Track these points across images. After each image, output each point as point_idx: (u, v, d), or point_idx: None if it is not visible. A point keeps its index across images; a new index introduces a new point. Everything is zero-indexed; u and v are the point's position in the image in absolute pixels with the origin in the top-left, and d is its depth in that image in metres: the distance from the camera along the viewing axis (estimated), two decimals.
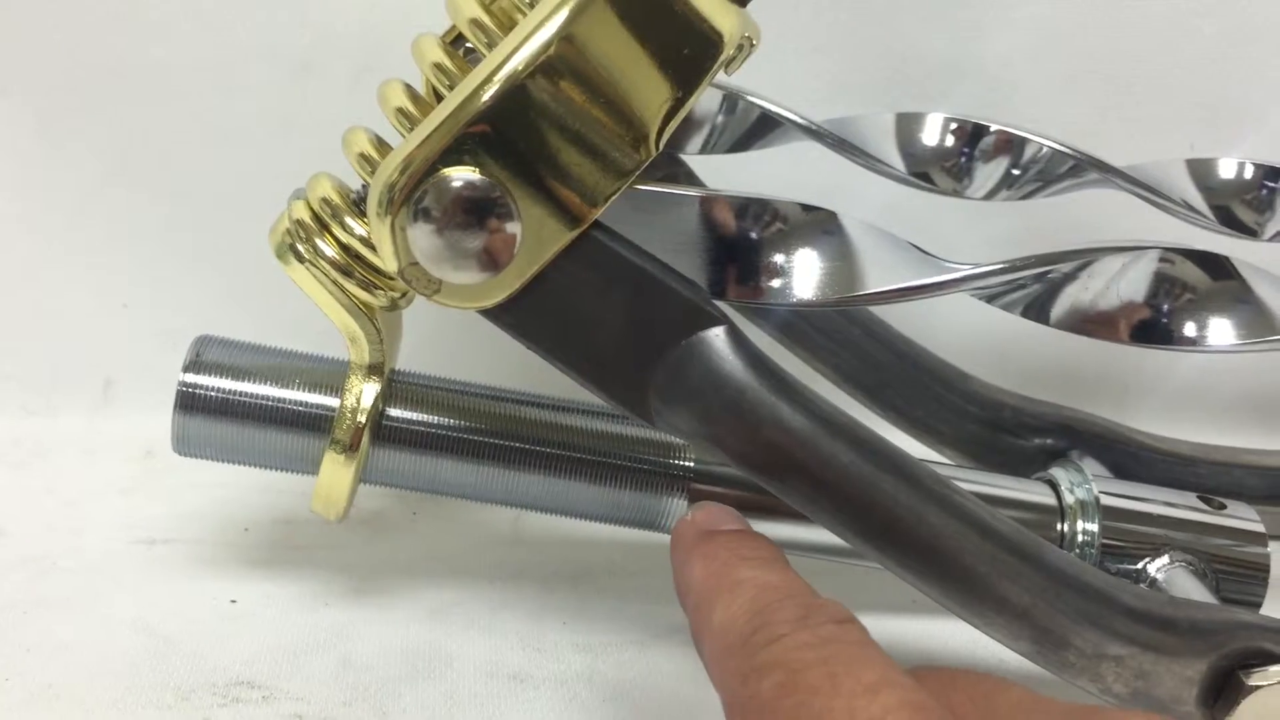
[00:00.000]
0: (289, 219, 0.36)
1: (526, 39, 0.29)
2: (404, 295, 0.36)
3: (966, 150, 0.43)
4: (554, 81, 0.29)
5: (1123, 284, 0.33)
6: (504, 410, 0.38)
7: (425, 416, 0.38)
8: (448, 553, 0.46)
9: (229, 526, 0.46)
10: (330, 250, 0.35)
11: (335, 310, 0.36)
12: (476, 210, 0.29)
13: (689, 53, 0.30)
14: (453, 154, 0.29)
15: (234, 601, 0.42)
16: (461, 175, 0.29)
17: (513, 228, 0.29)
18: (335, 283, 0.35)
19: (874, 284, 0.31)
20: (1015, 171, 0.43)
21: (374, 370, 0.37)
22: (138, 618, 0.40)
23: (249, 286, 0.53)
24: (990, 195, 0.42)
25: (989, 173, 0.42)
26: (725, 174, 0.44)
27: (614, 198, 0.30)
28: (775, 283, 0.31)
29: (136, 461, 0.51)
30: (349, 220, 0.35)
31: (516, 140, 0.29)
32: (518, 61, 0.29)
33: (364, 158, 0.34)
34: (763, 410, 0.31)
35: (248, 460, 0.38)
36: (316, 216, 0.35)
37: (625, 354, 0.32)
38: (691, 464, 0.39)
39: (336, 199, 0.35)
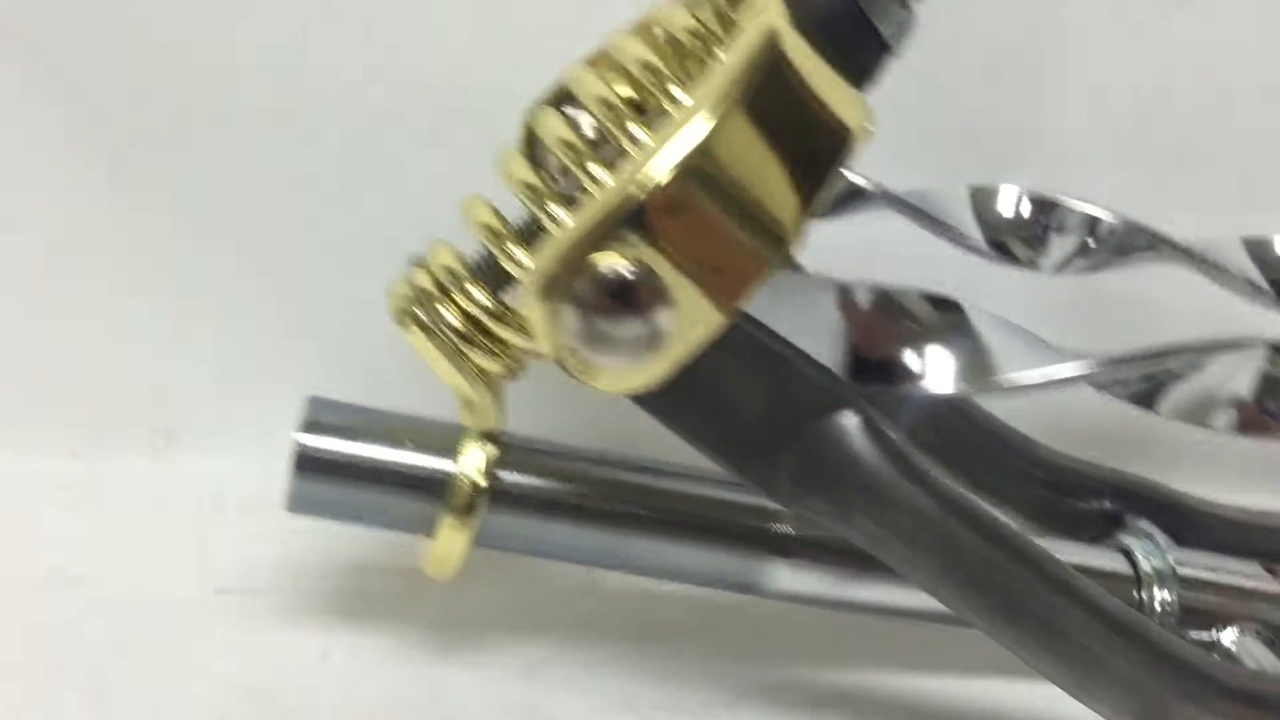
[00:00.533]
0: (410, 287, 0.36)
1: (674, 134, 0.30)
2: (519, 363, 0.37)
3: (1042, 222, 0.44)
4: (698, 182, 0.30)
5: (1230, 381, 0.34)
6: (612, 475, 0.39)
7: (538, 481, 0.38)
8: (529, 604, 0.46)
9: (306, 575, 0.47)
10: (453, 318, 0.36)
11: (453, 376, 0.36)
12: (634, 298, 0.30)
13: (819, 148, 0.31)
14: (606, 241, 0.30)
15: (324, 655, 0.42)
16: (618, 263, 0.30)
17: (668, 315, 0.30)
18: (456, 350, 0.36)
19: (1002, 375, 0.32)
20: (1090, 244, 0.44)
21: (488, 435, 0.38)
22: (228, 671, 0.41)
23: (312, 331, 0.53)
24: (1062, 268, 0.44)
25: (1063, 246, 0.44)
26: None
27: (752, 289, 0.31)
28: (906, 371, 0.32)
29: (202, 507, 0.51)
30: (472, 289, 0.36)
31: (669, 231, 0.30)
32: (666, 162, 0.30)
33: (489, 229, 0.35)
34: (895, 494, 0.32)
35: (360, 520, 0.39)
36: (439, 284, 0.36)
37: (762, 437, 0.33)
38: (792, 529, 0.39)
39: (459, 268, 0.36)
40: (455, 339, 0.36)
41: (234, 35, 0.49)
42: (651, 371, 0.31)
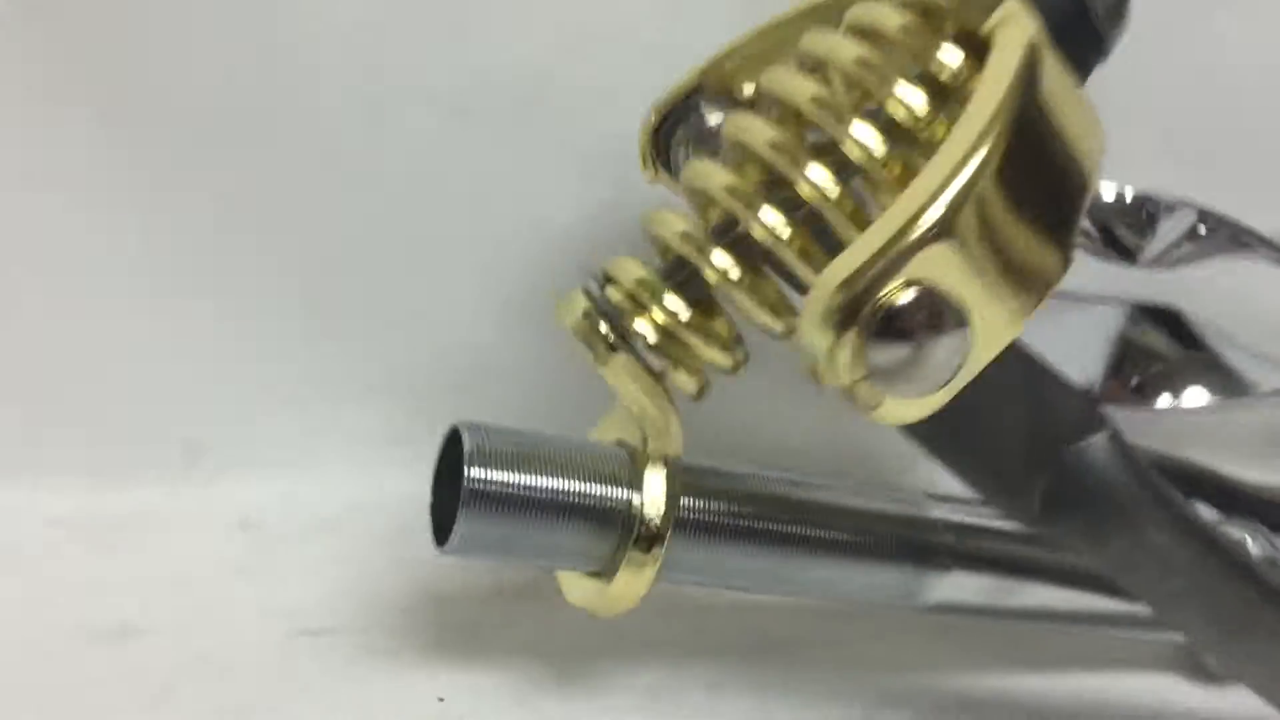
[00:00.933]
0: (594, 306, 0.33)
1: (964, 152, 0.28)
2: (708, 384, 0.34)
3: (1148, 209, 0.44)
4: (990, 201, 0.28)
5: None
6: (781, 493, 0.37)
7: (717, 506, 0.36)
8: (634, 626, 0.43)
9: (383, 609, 0.43)
10: (652, 335, 0.33)
11: (643, 401, 0.33)
12: (933, 323, 0.28)
13: (1075, 166, 0.30)
14: (903, 262, 0.28)
15: (441, 699, 0.39)
16: (915, 288, 0.28)
17: (962, 340, 0.29)
18: (649, 371, 0.33)
19: (1241, 390, 0.32)
20: (1198, 231, 0.44)
21: (668, 461, 0.35)
22: None
23: (352, 332, 0.48)
24: (1160, 260, 0.44)
25: (1170, 233, 0.43)
26: None
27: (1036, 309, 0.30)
28: (1157, 389, 0.31)
29: (236, 537, 0.46)
30: (671, 302, 0.33)
31: (967, 251, 0.28)
32: (957, 182, 0.28)
33: (688, 237, 0.33)
34: (1148, 516, 0.32)
35: (519, 558, 0.35)
36: (633, 300, 0.33)
37: (1019, 459, 0.31)
38: (954, 540, 0.38)
39: (654, 279, 0.33)
40: (654, 358, 0.33)
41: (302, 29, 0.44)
42: (939, 398, 0.29)
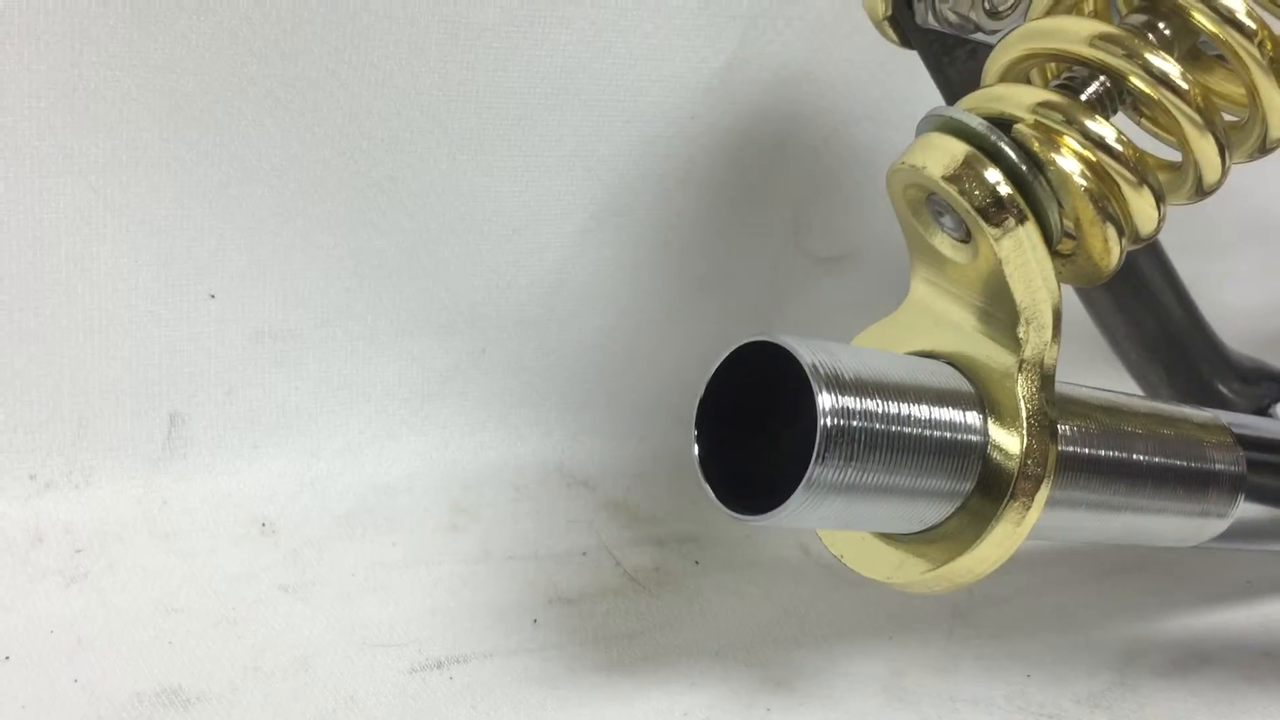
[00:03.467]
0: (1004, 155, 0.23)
1: None
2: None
3: None
4: None
5: None
6: (1150, 412, 0.29)
7: (1097, 434, 0.27)
8: (794, 605, 0.34)
9: (501, 624, 0.31)
10: (1075, 168, 0.23)
11: (1036, 284, 0.24)
12: None
13: None
14: None
15: None
16: None
17: None
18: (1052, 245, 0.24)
19: None
20: None
21: (1044, 374, 0.25)
22: None
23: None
24: None
25: None
26: None
27: None
28: None
29: (258, 544, 0.32)
30: (1094, 126, 0.23)
31: None
32: None
33: (1111, 40, 0.24)
34: None
35: (853, 517, 0.25)
36: (1044, 130, 0.23)
37: None
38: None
39: (1067, 101, 0.24)
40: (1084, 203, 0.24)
41: None
42: None
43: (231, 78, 0.31)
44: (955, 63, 0.33)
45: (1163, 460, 0.28)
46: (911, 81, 0.35)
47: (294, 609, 0.30)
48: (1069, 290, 0.41)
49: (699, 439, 0.25)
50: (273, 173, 0.33)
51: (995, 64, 0.26)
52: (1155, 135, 0.27)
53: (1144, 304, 0.42)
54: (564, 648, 0.30)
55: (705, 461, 0.25)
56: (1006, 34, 0.26)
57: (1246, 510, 0.32)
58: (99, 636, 0.28)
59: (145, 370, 0.32)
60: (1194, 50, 0.26)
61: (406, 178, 0.34)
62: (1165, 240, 0.41)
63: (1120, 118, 0.26)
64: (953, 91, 0.33)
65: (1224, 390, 0.45)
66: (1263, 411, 0.46)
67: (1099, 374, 0.35)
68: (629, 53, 0.37)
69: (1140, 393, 0.39)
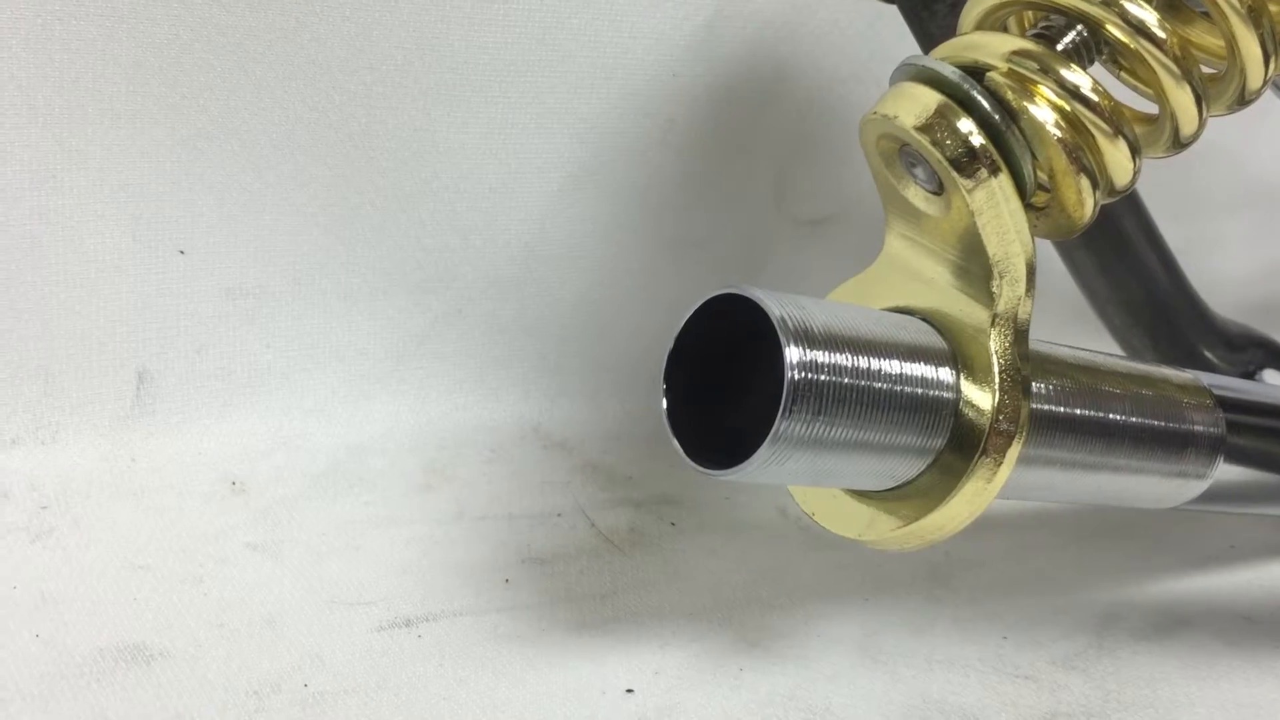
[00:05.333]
0: (975, 103, 0.23)
1: None
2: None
3: None
4: None
5: None
6: (1125, 371, 0.28)
7: (1070, 391, 0.26)
8: (770, 567, 0.34)
9: (472, 583, 0.31)
10: (1049, 117, 0.23)
11: (1009, 237, 0.24)
12: None
13: None
14: None
15: (630, 690, 0.28)
16: None
17: None
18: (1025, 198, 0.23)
19: None
20: None
21: (1018, 329, 0.25)
22: None
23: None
24: None
25: None
26: None
27: None
28: None
29: (228, 502, 0.32)
30: (1069, 75, 0.23)
31: None
32: None
33: None
34: None
35: (820, 473, 0.25)
36: (1018, 79, 0.23)
37: None
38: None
39: (1042, 50, 0.23)
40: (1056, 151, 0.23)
41: None
42: None
43: (200, 28, 0.31)
44: (935, 17, 0.33)
45: (1140, 420, 0.28)
46: (899, 41, 0.34)
47: (262, 567, 0.30)
48: (1055, 256, 0.41)
49: (668, 392, 0.25)
50: (243, 127, 0.32)
51: (971, 12, 0.25)
52: (1133, 88, 0.26)
53: (1128, 267, 0.42)
54: (535, 607, 0.30)
55: (675, 415, 0.25)
56: None
57: (1227, 472, 0.32)
58: (62, 592, 0.28)
59: (113, 326, 0.32)
60: (1173, 2, 0.26)
61: (380, 133, 0.34)
62: (1152, 205, 0.41)
63: (1099, 71, 0.26)
64: (933, 46, 0.33)
65: (1209, 355, 0.45)
66: (1249, 377, 0.46)
67: (1083, 339, 0.35)
68: (609, 8, 0.37)
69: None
